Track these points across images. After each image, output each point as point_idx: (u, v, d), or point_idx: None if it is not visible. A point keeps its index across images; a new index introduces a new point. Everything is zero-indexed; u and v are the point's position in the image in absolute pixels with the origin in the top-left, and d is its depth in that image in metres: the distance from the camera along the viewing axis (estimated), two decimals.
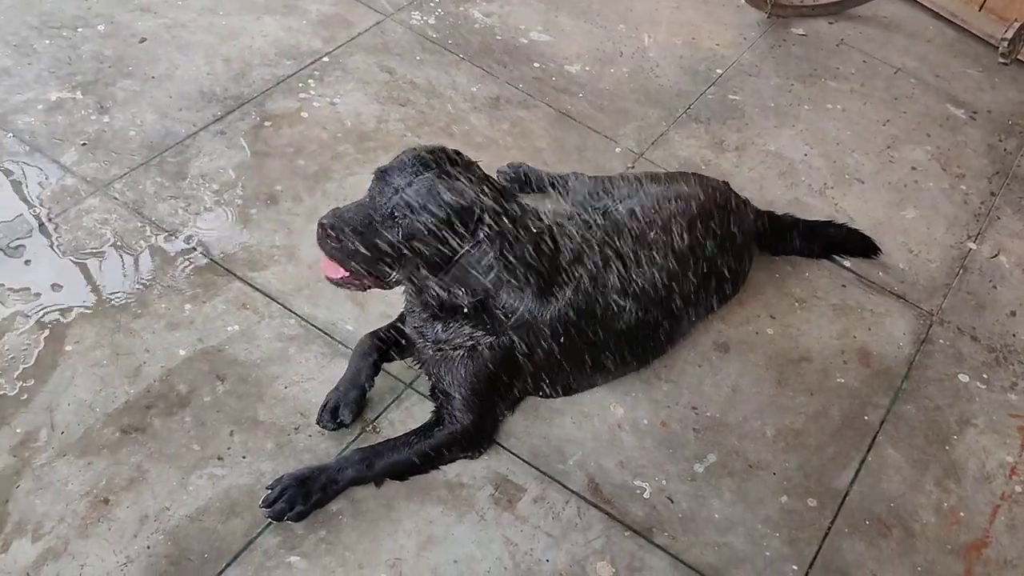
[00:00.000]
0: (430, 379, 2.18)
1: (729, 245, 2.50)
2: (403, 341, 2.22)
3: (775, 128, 3.21)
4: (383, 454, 2.07)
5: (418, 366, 2.22)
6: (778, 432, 2.36)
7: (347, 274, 1.96)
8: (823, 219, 2.83)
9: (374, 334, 2.24)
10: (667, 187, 2.52)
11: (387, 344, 2.23)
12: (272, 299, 2.35)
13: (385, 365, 2.25)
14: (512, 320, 2.05)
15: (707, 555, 2.10)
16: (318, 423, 2.13)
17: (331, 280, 1.99)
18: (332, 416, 2.13)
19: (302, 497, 1.97)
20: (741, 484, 2.24)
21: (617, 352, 2.31)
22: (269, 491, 1.98)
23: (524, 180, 2.75)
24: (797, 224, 2.76)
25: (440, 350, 2.10)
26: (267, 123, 2.77)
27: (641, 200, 2.47)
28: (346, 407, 2.14)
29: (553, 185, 2.73)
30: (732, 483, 2.24)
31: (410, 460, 2.08)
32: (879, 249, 2.83)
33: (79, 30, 2.88)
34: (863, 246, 2.83)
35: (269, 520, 1.96)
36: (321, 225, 1.90)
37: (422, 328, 2.12)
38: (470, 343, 2.08)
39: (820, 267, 2.78)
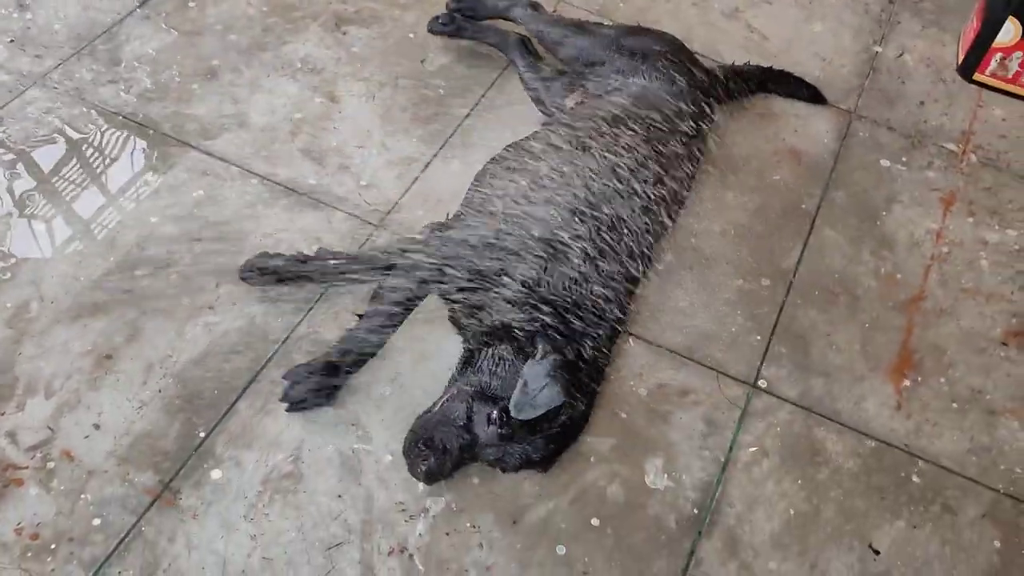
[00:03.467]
0: None
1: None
2: None
3: None
4: None
5: None
6: (726, 227, 2.53)
7: None
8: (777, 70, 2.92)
9: None
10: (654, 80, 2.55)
11: None
12: (231, 163, 2.40)
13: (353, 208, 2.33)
14: None
15: (679, 337, 2.27)
16: None
17: None
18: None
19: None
20: (700, 275, 2.41)
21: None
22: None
23: (469, 15, 2.78)
24: (756, 72, 2.90)
25: None
26: (191, 3, 2.77)
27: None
28: None
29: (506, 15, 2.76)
30: (691, 276, 2.40)
31: None
32: (824, 99, 2.93)
33: None
34: (807, 91, 2.93)
35: (272, 352, 2.06)
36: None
37: None
38: None
39: None
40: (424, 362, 2.12)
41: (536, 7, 2.77)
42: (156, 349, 2.03)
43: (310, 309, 2.16)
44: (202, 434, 1.93)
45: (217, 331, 2.09)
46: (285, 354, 2.07)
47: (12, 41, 2.57)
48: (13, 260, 2.13)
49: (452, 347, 2.15)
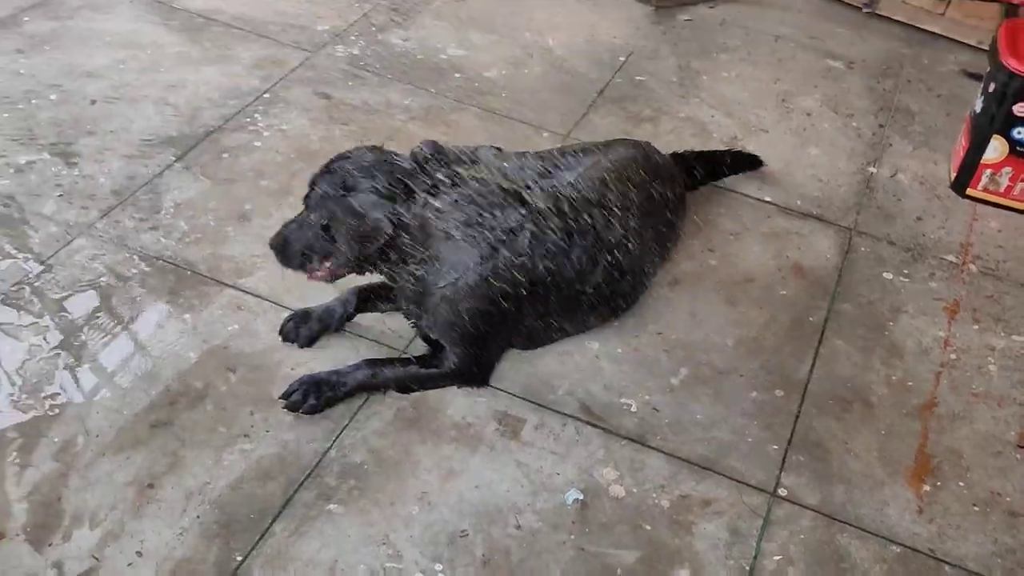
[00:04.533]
0: (417, 327, 2.45)
1: (668, 193, 2.76)
2: (392, 297, 2.49)
3: (681, 98, 3.54)
4: (388, 367, 2.35)
5: (408, 320, 2.47)
6: (738, 342, 2.62)
7: (320, 271, 2.31)
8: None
9: (361, 287, 2.50)
10: (601, 154, 2.71)
11: (368, 295, 2.51)
12: (263, 299, 2.55)
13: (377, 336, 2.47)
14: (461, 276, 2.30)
15: (698, 448, 2.34)
16: (281, 332, 2.45)
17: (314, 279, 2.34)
18: (293, 330, 2.44)
19: (315, 393, 2.26)
20: (715, 388, 2.49)
21: (587, 306, 2.52)
22: (289, 388, 2.28)
23: (438, 157, 2.93)
24: (696, 155, 3.08)
25: (418, 301, 2.35)
26: (225, 154, 2.98)
27: (578, 167, 2.69)
28: (305, 331, 2.44)
29: (466, 157, 2.90)
30: (707, 389, 2.49)
31: (410, 380, 2.36)
32: (762, 161, 3.22)
33: (33, 101, 3.07)
34: (750, 160, 3.20)
35: (304, 477, 2.14)
36: (270, 246, 2.31)
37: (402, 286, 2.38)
38: (443, 287, 2.31)
39: (745, 204, 3.08)
40: (451, 480, 2.19)
41: (499, 149, 2.87)
42: (195, 477, 2.12)
43: (339, 435, 2.25)
44: (239, 558, 1.99)
45: (252, 457, 2.18)
46: (316, 478, 2.15)
47: (61, 195, 2.76)
48: (61, 397, 2.24)
49: (479, 464, 2.22)
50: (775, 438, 2.39)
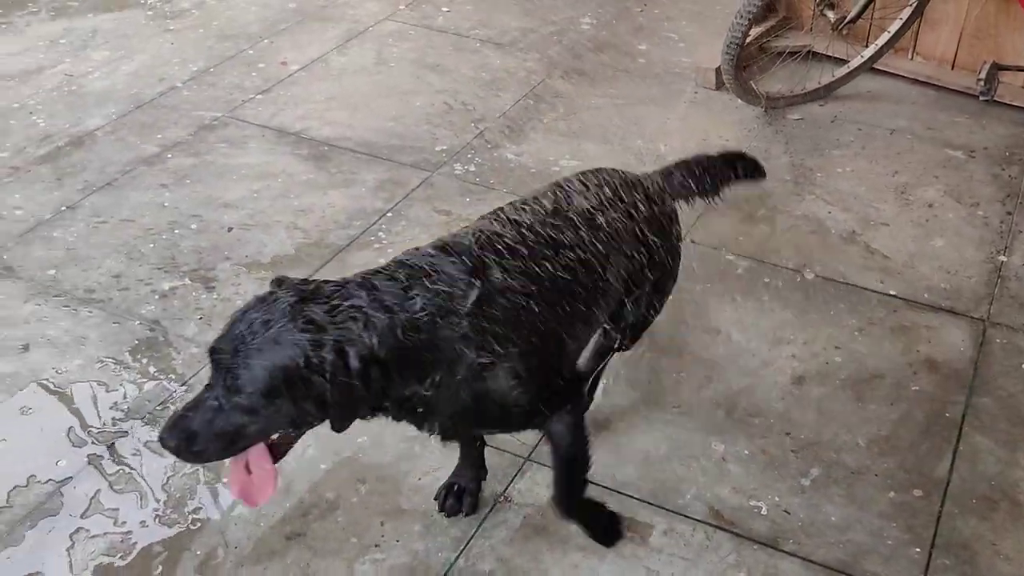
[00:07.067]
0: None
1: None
2: None
3: (796, 196, 3.53)
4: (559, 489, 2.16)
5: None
6: (870, 440, 2.54)
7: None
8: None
9: None
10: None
11: None
12: None
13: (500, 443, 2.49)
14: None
15: (834, 552, 2.26)
16: (442, 510, 2.34)
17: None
18: (457, 501, 2.34)
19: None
20: (848, 489, 2.41)
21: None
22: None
23: None
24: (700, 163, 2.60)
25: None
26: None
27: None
28: (468, 495, 2.34)
29: None
30: (840, 489, 2.41)
31: (567, 474, 2.13)
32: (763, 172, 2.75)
33: (176, 231, 3.29)
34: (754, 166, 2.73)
35: None
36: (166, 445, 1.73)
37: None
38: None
39: (869, 298, 3.02)
40: None
41: None
42: None
43: (467, 544, 2.27)
44: None
45: (383, 567, 2.21)
46: None
47: (201, 318, 2.93)
48: (202, 512, 2.34)
49: (608, 571, 2.21)
50: (916, 540, 2.29)
